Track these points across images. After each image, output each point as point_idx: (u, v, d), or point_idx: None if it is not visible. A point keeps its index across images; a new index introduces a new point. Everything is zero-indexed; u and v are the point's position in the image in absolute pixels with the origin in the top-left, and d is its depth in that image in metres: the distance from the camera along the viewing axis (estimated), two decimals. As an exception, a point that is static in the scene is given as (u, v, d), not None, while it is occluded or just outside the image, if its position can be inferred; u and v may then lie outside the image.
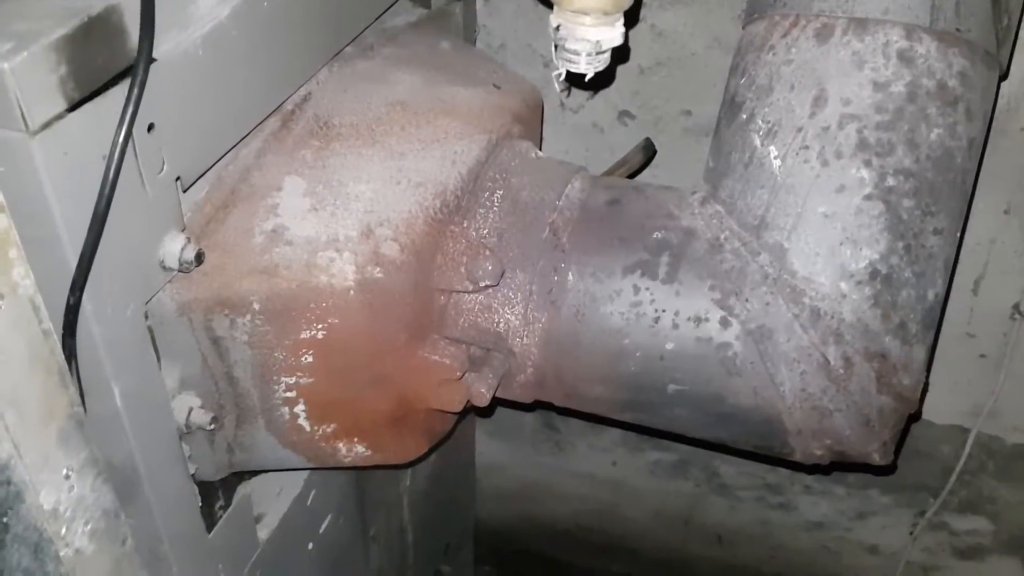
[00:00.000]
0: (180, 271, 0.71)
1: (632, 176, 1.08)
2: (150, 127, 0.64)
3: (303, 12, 0.81)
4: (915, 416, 0.82)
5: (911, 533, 1.67)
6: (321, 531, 1.04)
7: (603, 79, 0.78)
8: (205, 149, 0.72)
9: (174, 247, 0.69)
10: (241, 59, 0.73)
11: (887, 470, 0.83)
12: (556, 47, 0.74)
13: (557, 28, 0.73)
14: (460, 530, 1.64)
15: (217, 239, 0.75)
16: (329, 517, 1.05)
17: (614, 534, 1.93)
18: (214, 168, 0.77)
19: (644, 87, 1.40)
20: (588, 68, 0.73)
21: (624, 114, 1.44)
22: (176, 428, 0.76)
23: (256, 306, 0.74)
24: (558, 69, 0.75)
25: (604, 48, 0.71)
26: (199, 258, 0.70)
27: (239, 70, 0.73)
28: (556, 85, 0.77)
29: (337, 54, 0.90)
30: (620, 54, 1.35)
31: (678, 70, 1.37)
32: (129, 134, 0.60)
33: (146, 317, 0.71)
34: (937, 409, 1.52)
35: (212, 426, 0.77)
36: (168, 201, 0.68)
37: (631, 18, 0.74)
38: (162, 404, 0.74)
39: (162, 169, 0.66)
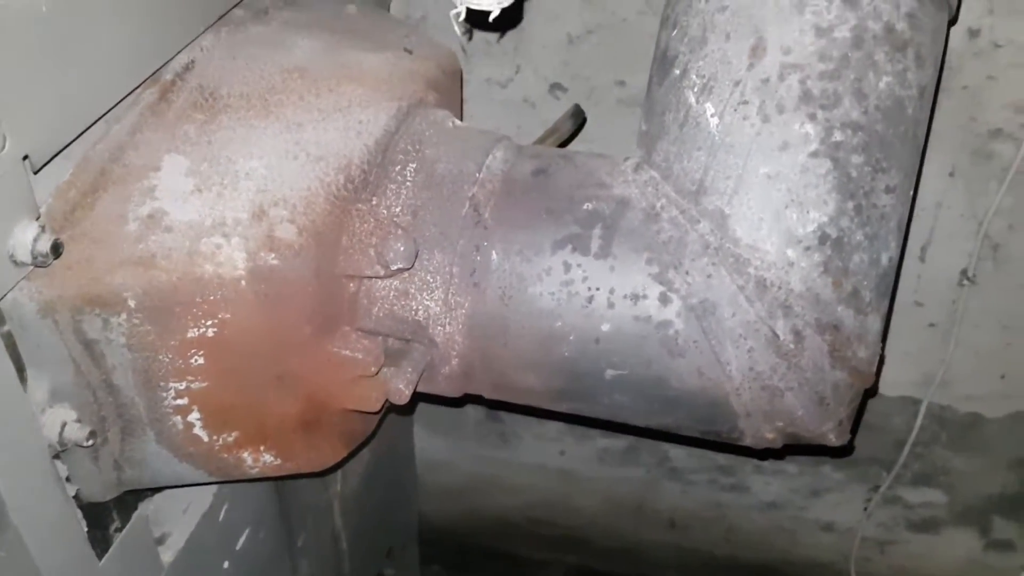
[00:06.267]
0: (36, 266, 0.61)
1: (562, 146, 1.01)
2: (-18, 95, 0.54)
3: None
4: (871, 391, 0.76)
5: (865, 509, 1.63)
6: (238, 547, 0.95)
7: (511, 18, 0.70)
8: (59, 124, 0.62)
9: (25, 238, 0.59)
10: (100, 17, 0.63)
11: (841, 449, 0.77)
12: (452, -20, 0.66)
13: (450, -45, 0.64)
14: (403, 531, 1.56)
15: (84, 228, 0.65)
16: (247, 531, 0.96)
17: (566, 525, 1.87)
18: (79, 147, 0.67)
19: (574, 57, 1.33)
20: (493, 3, 0.64)
21: (555, 87, 1.37)
22: (47, 446, 0.66)
23: (132, 303, 0.65)
24: (456, 7, 0.66)
25: (508, -24, 0.63)
26: (56, 250, 0.60)
27: (98, 31, 0.64)
28: (455, 27, 0.68)
29: (223, 16, 0.80)
30: (548, 22, 1.28)
31: (609, 38, 1.30)
32: (-51, 102, 0.50)
33: (1, 320, 0.62)
34: (887, 381, 1.48)
35: (90, 442, 0.67)
36: (14, 184, 0.58)
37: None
38: (27, 419, 0.64)
39: (3, 146, 0.56)
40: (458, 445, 1.77)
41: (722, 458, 1.65)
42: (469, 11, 0.65)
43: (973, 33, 1.17)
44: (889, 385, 1.49)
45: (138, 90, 0.72)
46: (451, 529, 1.89)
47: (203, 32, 0.78)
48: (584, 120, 1.02)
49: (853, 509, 1.65)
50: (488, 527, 1.89)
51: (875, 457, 1.57)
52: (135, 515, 0.80)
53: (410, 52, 0.85)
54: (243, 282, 0.65)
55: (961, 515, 1.61)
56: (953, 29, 1.16)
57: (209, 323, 0.66)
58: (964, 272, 1.36)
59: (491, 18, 0.65)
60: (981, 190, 1.28)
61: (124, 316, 0.65)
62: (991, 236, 1.32)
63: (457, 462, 1.80)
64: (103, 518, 0.76)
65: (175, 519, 0.86)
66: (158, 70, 0.74)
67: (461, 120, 0.87)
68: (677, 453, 1.67)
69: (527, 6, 1.29)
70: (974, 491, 1.58)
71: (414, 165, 0.76)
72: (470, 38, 0.72)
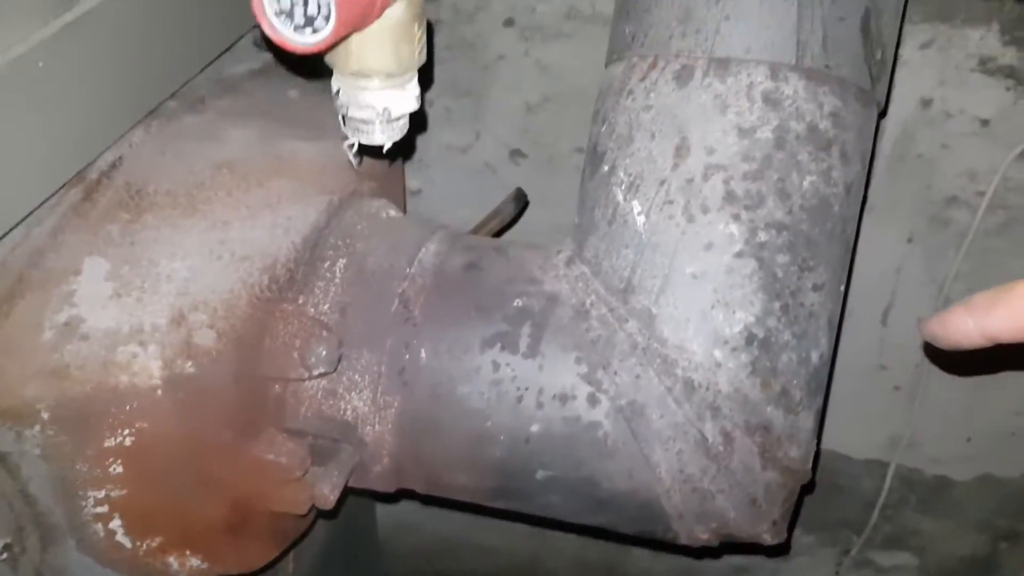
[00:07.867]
0: (-59, 383, 0.60)
1: (506, 228, 1.00)
2: None
3: (95, 62, 0.71)
4: (809, 487, 0.75)
5: (836, 573, 1.61)
6: (176, 641, 0.93)
7: (405, 147, 0.70)
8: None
9: (-72, 356, 0.58)
10: (17, 117, 0.63)
11: (777, 547, 0.75)
12: (343, 116, 0.65)
13: (338, 93, 0.64)
14: (365, 601, 1.53)
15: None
16: (186, 623, 0.94)
17: (537, 587, 1.84)
18: (-5, 253, 0.66)
19: (533, 124, 1.33)
20: (384, 138, 0.64)
21: (515, 153, 1.37)
22: (-42, 561, 0.65)
23: (45, 415, 0.63)
24: (349, 139, 0.66)
25: (396, 116, 0.63)
26: (-40, 368, 0.59)
27: (15, 133, 0.63)
28: (348, 155, 0.68)
29: (154, 111, 0.80)
30: (505, 91, 1.29)
31: (567, 106, 1.31)
32: None
33: (-93, 437, 0.61)
34: (855, 444, 1.47)
35: (4, 555, 0.66)
36: (-83, 302, 0.58)
37: (426, 75, 0.67)
38: (-66, 537, 0.63)
39: (-96, 267, 0.56)
40: (425, 506, 1.74)
41: (692, 520, 1.63)
42: (361, 144, 0.65)
43: (926, 103, 1.17)
44: (857, 448, 1.48)
45: (61, 191, 0.72)
46: (420, 593, 1.86)
47: (132, 127, 0.78)
48: (527, 203, 1.02)
49: (824, 572, 1.63)
50: (458, 590, 1.86)
51: (845, 520, 1.55)
52: (62, 617, 0.78)
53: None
54: (159, 391, 0.64)
55: (933, 578, 1.59)
56: (906, 99, 1.16)
57: (126, 432, 0.65)
58: (926, 336, 1.35)
59: (384, 150, 0.65)
60: (939, 256, 1.28)
61: (38, 428, 0.64)
62: (952, 300, 1.31)
63: (426, 523, 1.77)
64: (27, 623, 0.74)
65: (106, 618, 0.84)
66: (83, 169, 0.73)
67: (404, 204, 0.87)
68: (647, 514, 1.65)
69: (485, 75, 1.30)
70: (945, 553, 1.56)
71: (344, 261, 0.76)
72: (360, 162, 0.72)
